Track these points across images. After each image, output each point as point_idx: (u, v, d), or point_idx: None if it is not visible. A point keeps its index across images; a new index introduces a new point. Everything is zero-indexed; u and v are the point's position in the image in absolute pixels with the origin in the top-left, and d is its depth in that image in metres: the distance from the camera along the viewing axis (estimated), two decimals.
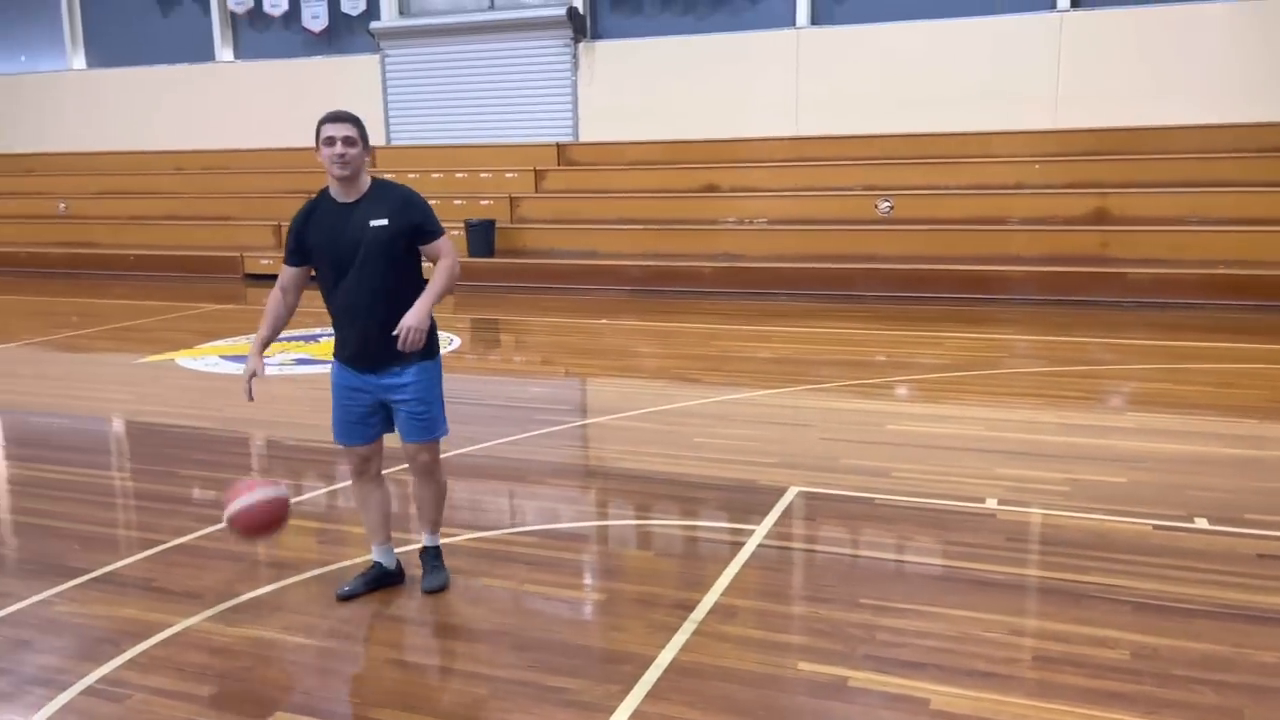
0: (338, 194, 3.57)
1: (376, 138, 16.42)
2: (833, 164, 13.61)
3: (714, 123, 14.50)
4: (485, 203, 14.37)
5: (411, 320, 3.44)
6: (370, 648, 3.43)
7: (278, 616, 3.65)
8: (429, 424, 3.69)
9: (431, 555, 3.90)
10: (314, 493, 5.12)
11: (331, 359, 3.86)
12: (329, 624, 3.60)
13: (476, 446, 5.77)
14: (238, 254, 14.51)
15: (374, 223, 3.53)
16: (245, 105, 17.10)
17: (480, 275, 13.19)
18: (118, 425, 6.77)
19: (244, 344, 9.14)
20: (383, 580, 3.84)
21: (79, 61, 18.44)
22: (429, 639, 3.53)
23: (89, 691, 3.15)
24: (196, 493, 5.10)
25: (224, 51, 17.39)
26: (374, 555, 3.88)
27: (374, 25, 16.13)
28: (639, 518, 4.76)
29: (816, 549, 4.28)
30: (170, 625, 3.58)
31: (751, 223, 13.28)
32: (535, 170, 14.85)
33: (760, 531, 4.38)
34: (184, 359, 8.55)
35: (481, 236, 13.42)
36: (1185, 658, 3.22)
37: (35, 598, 3.82)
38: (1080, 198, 12.06)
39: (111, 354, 9.18)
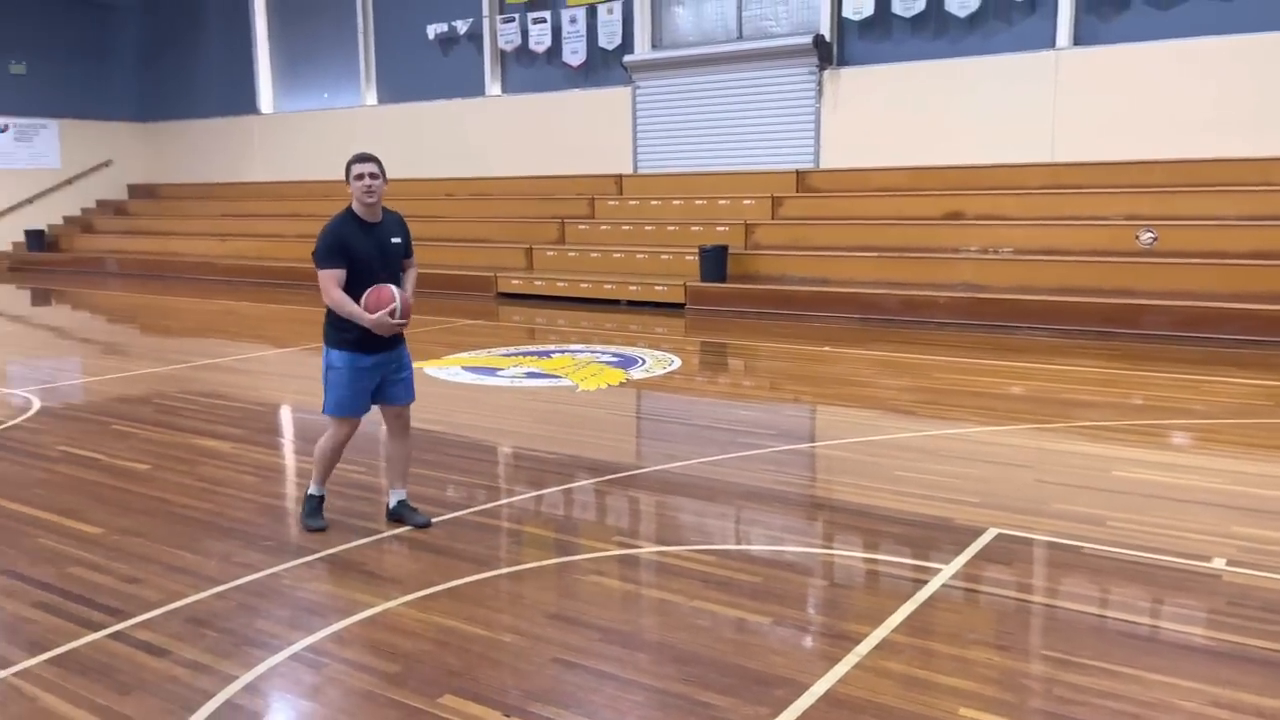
0: (364, 216, 4.60)
1: (624, 165, 17.13)
2: (1092, 191, 12.75)
3: (962, 148, 14.00)
4: (721, 229, 14.60)
5: (410, 306, 4.63)
6: (539, 645, 3.61)
7: (463, 608, 3.92)
8: (412, 384, 4.90)
9: (409, 506, 4.94)
10: (519, 497, 5.43)
11: (350, 352, 4.65)
12: (507, 619, 3.82)
13: (675, 464, 5.90)
14: (492, 274, 15.56)
15: (394, 240, 4.70)
16: (508, 136, 18.37)
17: (711, 300, 13.41)
18: (366, 425, 7.46)
19: (485, 356, 9.81)
20: (398, 514, 4.93)
21: (371, 98, 20.53)
22: (596, 642, 3.67)
23: (295, 657, 3.53)
24: (418, 488, 5.55)
25: (493, 86, 18.76)
26: (390, 499, 5.00)
27: (627, 58, 16.85)
28: (822, 545, 4.69)
29: (1006, 594, 4.05)
30: (372, 606, 3.93)
31: (997, 252, 12.66)
32: (773, 197, 14.92)
33: (948, 571, 4.20)
34: (430, 368, 9.29)
35: (714, 262, 13.64)
36: None
37: (267, 571, 4.32)
38: None
39: None
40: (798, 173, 15.26)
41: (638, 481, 5.64)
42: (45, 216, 22.84)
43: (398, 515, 4.92)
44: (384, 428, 5.06)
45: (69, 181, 23.38)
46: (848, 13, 14.89)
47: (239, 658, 3.51)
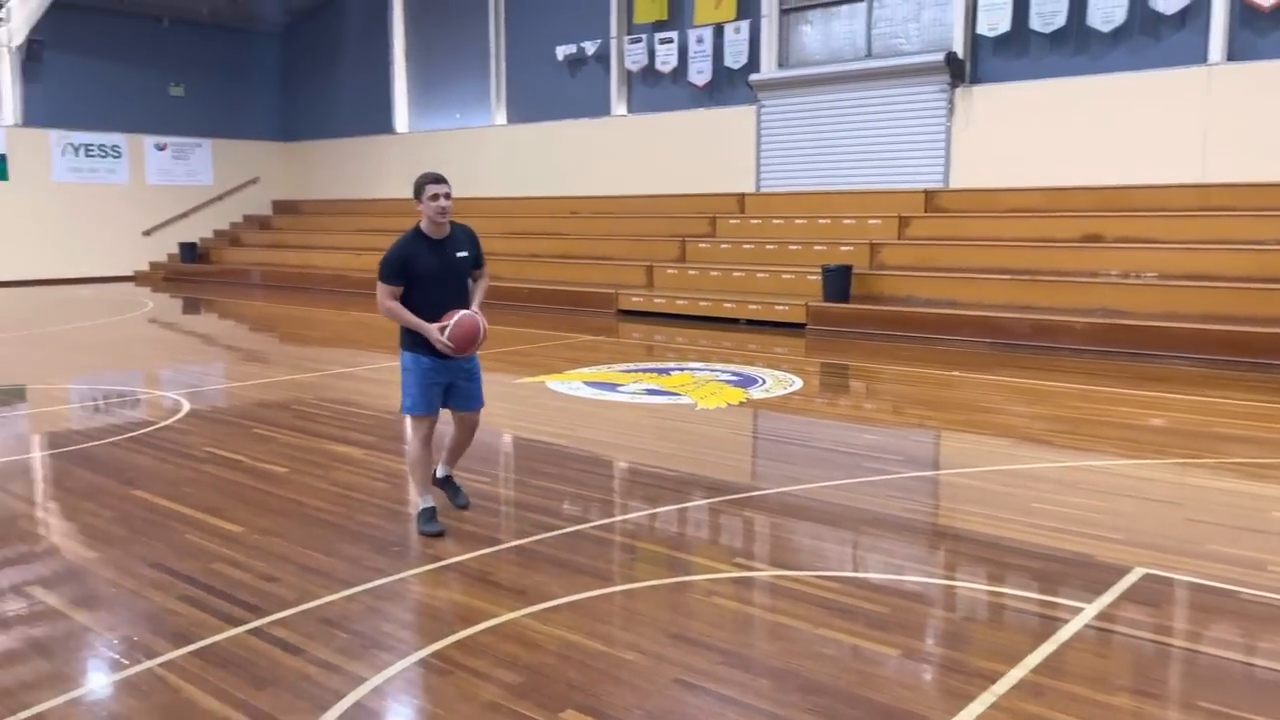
0: (432, 233, 4.89)
1: (747, 184, 17.08)
2: (1247, 215, 12.04)
3: (1101, 168, 13.45)
4: (845, 249, 14.37)
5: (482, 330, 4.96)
6: (661, 664, 3.57)
7: (584, 622, 3.92)
8: (480, 396, 5.22)
9: (455, 484, 5.41)
10: (637, 514, 5.42)
11: (416, 354, 4.96)
12: (628, 636, 3.80)
13: (798, 487, 5.79)
14: (613, 291, 15.70)
15: (461, 254, 4.96)
16: (632, 155, 18.56)
17: (833, 320, 13.19)
18: (490, 436, 7.60)
19: (605, 372, 9.88)
20: (442, 486, 5.36)
21: (501, 118, 21.07)
22: (718, 665, 3.61)
23: (421, 663, 3.59)
24: (538, 500, 5.61)
25: (619, 106, 19.00)
26: (438, 470, 5.36)
27: (753, 77, 16.82)
28: (952, 578, 4.52)
29: (1155, 638, 3.81)
30: (496, 615, 3.98)
31: (1139, 277, 12.06)
32: (900, 217, 14.62)
33: (1090, 611, 3.99)
34: (552, 382, 9.41)
35: (837, 282, 13.43)
36: None
37: (396, 576, 4.43)
38: None
39: (496, 373, 10.30)
40: (926, 192, 14.92)
41: (758, 503, 5.57)
42: (198, 230, 24.24)
43: (441, 485, 5.39)
44: (454, 428, 5.34)
45: (219, 198, 24.77)
46: (982, 29, 14.51)
47: (368, 660, 3.59)
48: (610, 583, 4.34)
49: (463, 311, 4.85)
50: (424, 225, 4.88)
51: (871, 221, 14.82)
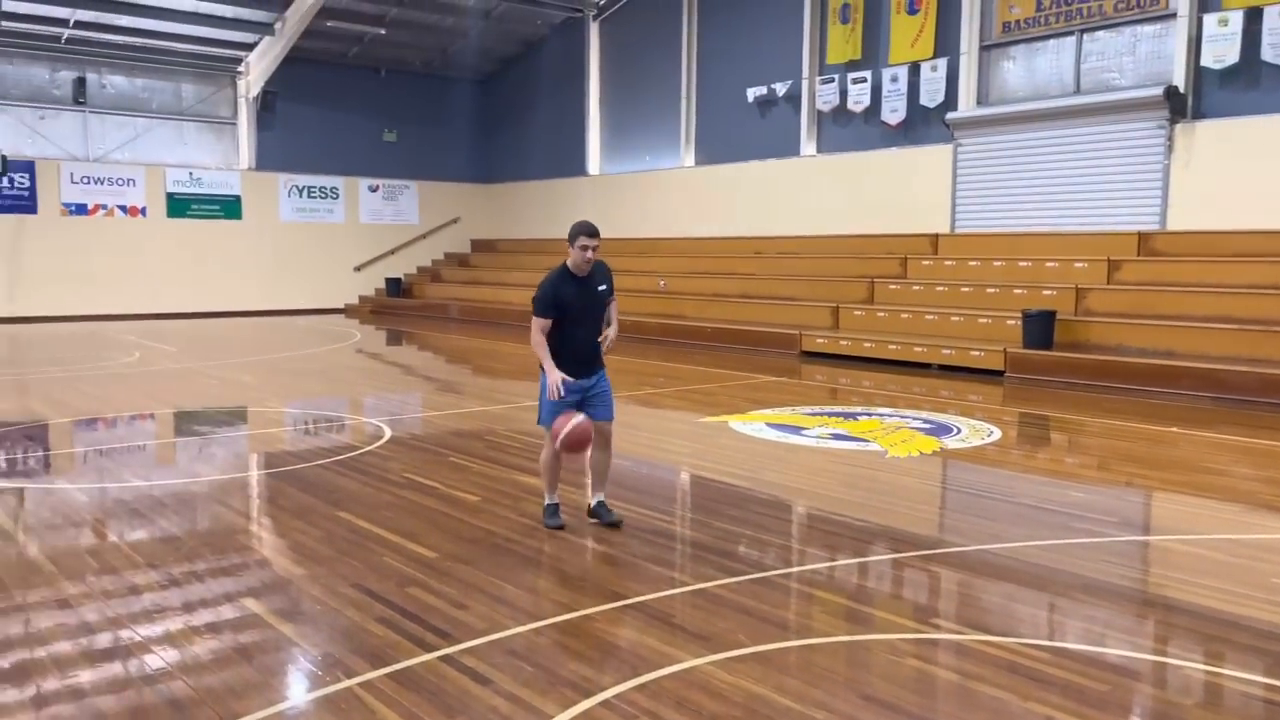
0: (577, 272, 5.59)
1: (941, 224, 16.52)
2: None
3: None
4: (1048, 293, 13.62)
5: (615, 334, 5.88)
6: None
7: (771, 675, 3.78)
8: (611, 407, 5.82)
9: (605, 507, 5.82)
10: (823, 563, 5.23)
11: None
12: (818, 694, 3.63)
13: (998, 545, 5.44)
14: (796, 332, 15.48)
15: (600, 288, 5.70)
16: (820, 195, 18.34)
17: (1035, 368, 12.49)
18: (671, 474, 7.60)
19: (789, 414, 9.70)
20: (596, 514, 5.86)
21: (689, 159, 21.34)
22: None
23: (606, 704, 3.55)
24: (722, 543, 5.51)
25: (808, 146, 18.86)
26: (590, 499, 5.93)
27: (950, 115, 16.32)
28: (1177, 655, 4.09)
29: None
30: (680, 661, 3.90)
31: None
32: (1109, 260, 13.74)
33: None
34: (735, 422, 9.31)
35: (1039, 327, 12.72)
36: None
37: (581, 611, 4.43)
38: None
39: (679, 411, 10.35)
40: (1140, 234, 13.97)
41: (957, 560, 5.26)
42: (403, 266, 25.74)
43: (595, 514, 5.83)
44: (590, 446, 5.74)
45: (423, 236, 26.24)
46: (1207, 61, 13.52)
47: (554, 696, 3.59)
48: (797, 634, 4.18)
49: (578, 419, 5.47)
50: (570, 264, 5.59)
51: (1077, 265, 14.00)
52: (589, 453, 5.72)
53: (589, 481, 5.95)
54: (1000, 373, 12.73)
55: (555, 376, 5.48)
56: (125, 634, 4.16)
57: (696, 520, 6.05)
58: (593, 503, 5.87)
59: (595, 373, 5.72)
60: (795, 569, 5.08)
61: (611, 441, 5.84)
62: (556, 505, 5.82)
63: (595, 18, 23.40)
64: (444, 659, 3.90)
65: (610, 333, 5.85)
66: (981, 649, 4.04)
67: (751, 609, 4.49)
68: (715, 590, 4.72)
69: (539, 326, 5.57)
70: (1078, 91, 15.21)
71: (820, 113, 18.60)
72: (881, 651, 4.03)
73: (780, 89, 19.03)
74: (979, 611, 4.52)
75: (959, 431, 8.82)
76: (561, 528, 5.67)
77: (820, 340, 15.04)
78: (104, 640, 4.11)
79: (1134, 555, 5.48)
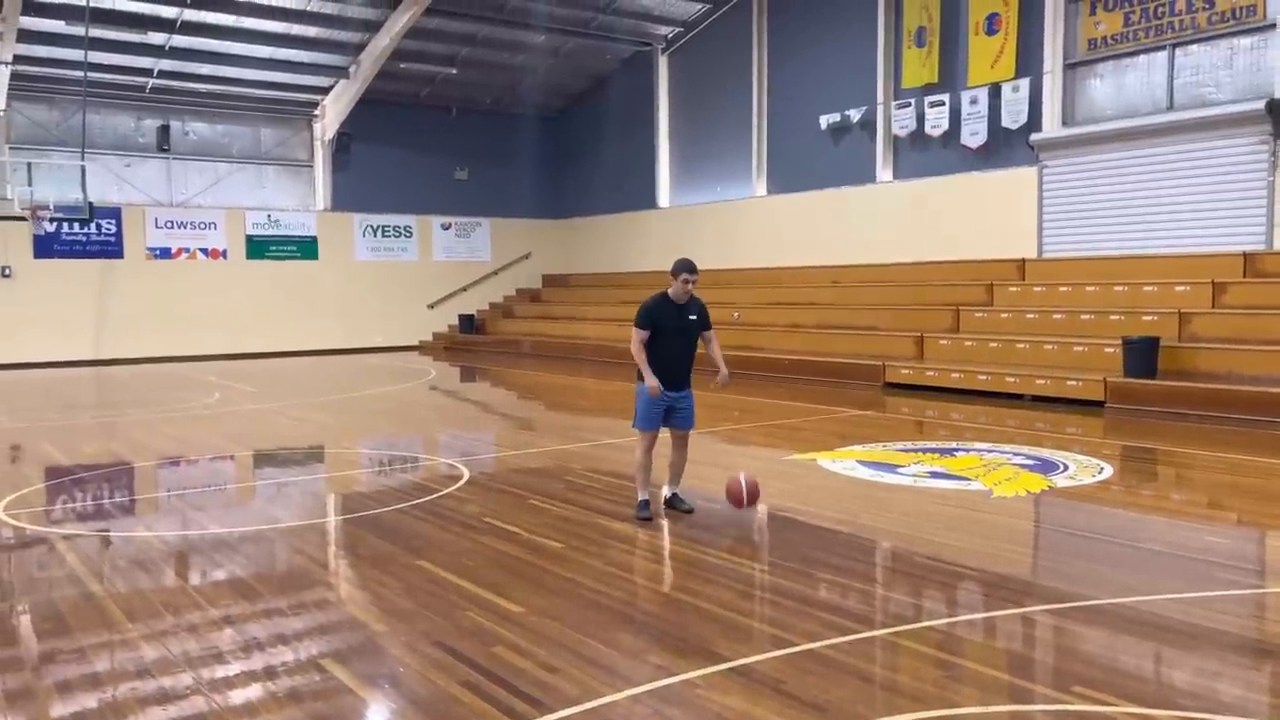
0: (676, 300, 6.56)
1: (1028, 250, 15.91)
2: None
3: None
4: (1148, 318, 12.94)
5: (726, 373, 7.01)
6: None
7: None
8: (693, 418, 6.80)
9: (679, 497, 6.84)
10: (939, 619, 4.79)
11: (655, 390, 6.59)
12: None
13: (1133, 598, 4.94)
14: (879, 363, 14.97)
15: (691, 317, 6.65)
16: (898, 222, 17.84)
17: (1138, 398, 11.82)
18: (765, 518, 7.20)
19: (882, 451, 9.24)
20: (672, 504, 6.84)
21: (761, 189, 21.02)
22: None
23: None
24: (826, 595, 5.11)
25: (884, 172, 18.41)
26: (665, 491, 6.91)
27: (1034, 137, 15.77)
28: None
29: None
30: None
31: None
32: (1213, 283, 13.02)
33: None
34: (825, 460, 8.88)
35: (1142, 355, 12.05)
36: None
37: (681, 676, 4.07)
38: None
39: (766, 449, 9.94)
40: (1245, 255, 13.24)
41: (1087, 615, 4.77)
42: (475, 303, 25.83)
43: (671, 504, 6.78)
44: (671, 447, 6.83)
45: (495, 273, 26.32)
46: None
47: None
48: (927, 705, 3.76)
49: (744, 480, 6.64)
50: (671, 293, 6.57)
51: (1178, 288, 13.29)
52: (675, 458, 6.83)
53: (666, 479, 6.85)
54: (1100, 403, 12.08)
55: (652, 380, 6.43)
56: (201, 701, 3.93)
57: (795, 569, 5.65)
58: (667, 493, 6.81)
59: (683, 389, 6.68)
60: (909, 625, 4.66)
61: (688, 446, 6.87)
62: (648, 501, 6.66)
63: (664, 50, 23.34)
64: None
65: (721, 372, 6.90)
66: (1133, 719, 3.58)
67: (867, 673, 4.10)
68: (825, 651, 4.32)
69: (638, 338, 6.52)
70: (1171, 108, 14.55)
71: (897, 138, 18.17)
72: None
73: (854, 115, 18.66)
74: (1127, 678, 4.04)
75: (1067, 468, 8.27)
76: (650, 520, 6.55)
77: (905, 371, 14.51)
78: (182, 709, 3.88)
79: None
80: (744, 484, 6.57)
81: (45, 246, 20.99)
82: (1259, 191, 13.47)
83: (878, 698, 3.86)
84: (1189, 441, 9.84)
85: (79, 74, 19.49)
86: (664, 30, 22.97)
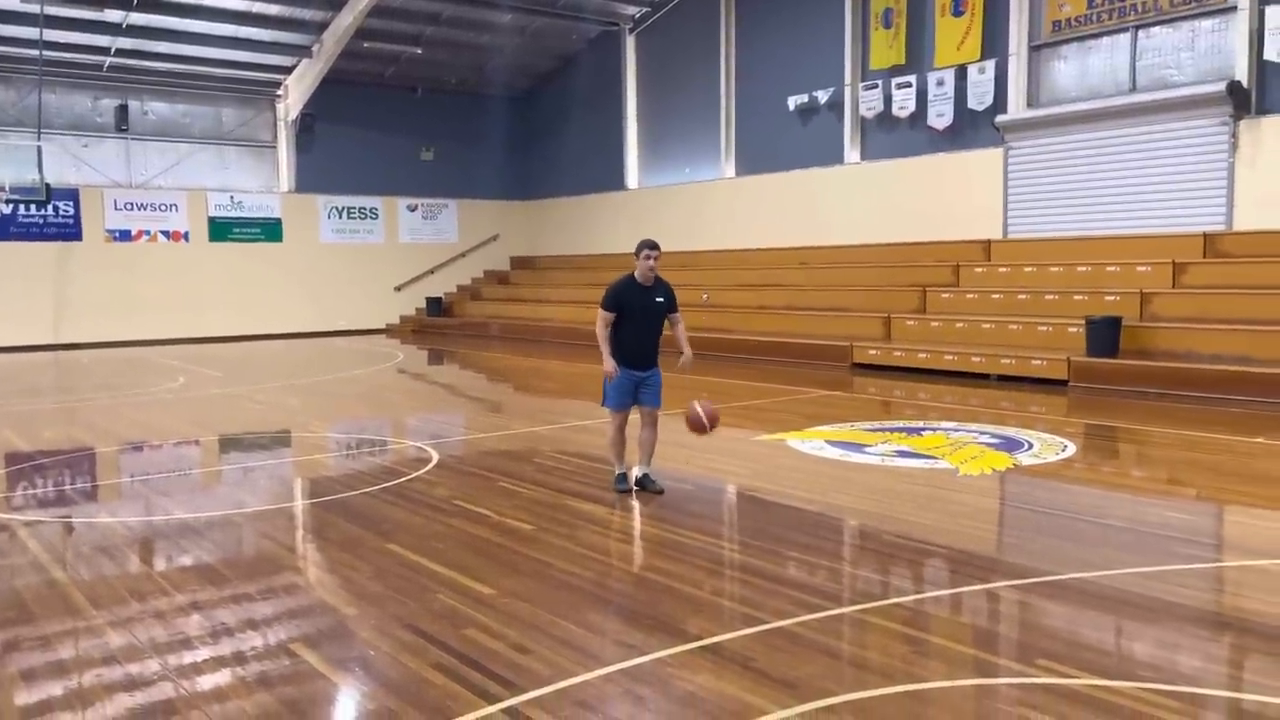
0: (641, 281, 6.68)
1: (994, 230, 16.05)
2: None
3: None
4: (1110, 298, 13.12)
5: (689, 354, 6.97)
6: None
7: None
8: (659, 395, 6.87)
9: (649, 478, 6.89)
10: (907, 596, 4.85)
11: (618, 366, 6.74)
12: None
13: (1094, 573, 5.02)
14: (847, 343, 15.08)
15: (658, 299, 6.73)
16: (866, 203, 17.93)
17: (1101, 377, 12.00)
18: (734, 497, 7.25)
19: (849, 430, 9.32)
20: (642, 484, 6.89)
21: (730, 170, 21.02)
22: None
23: None
24: (795, 573, 5.16)
25: (851, 154, 18.48)
26: (635, 471, 6.96)
27: (1000, 118, 15.88)
28: None
29: None
30: (766, 713, 3.55)
31: None
32: (1174, 263, 13.22)
33: None
34: (793, 440, 8.95)
35: (1104, 335, 12.22)
36: None
37: (651, 655, 4.09)
38: None
39: (733, 429, 9.97)
40: (1205, 235, 13.44)
41: (1050, 590, 4.86)
42: (443, 285, 25.65)
43: (641, 484, 6.85)
44: (640, 425, 6.92)
45: (463, 255, 26.14)
46: (1270, 55, 13.02)
47: None
48: (895, 680, 3.81)
49: (700, 407, 6.73)
50: (636, 274, 6.67)
51: (1140, 269, 13.49)
52: (644, 436, 6.89)
53: (636, 458, 6.91)
54: (1064, 382, 12.25)
55: (609, 365, 6.61)
56: (169, 687, 3.90)
57: (766, 549, 5.69)
58: (638, 474, 6.87)
59: (649, 368, 6.80)
60: (877, 603, 4.71)
61: (658, 424, 6.92)
62: (624, 474, 6.91)
63: (631, 31, 23.22)
64: (508, 711, 3.59)
65: (685, 354, 6.90)
66: (1100, 696, 3.65)
67: (837, 650, 4.15)
68: (794, 629, 4.37)
69: (603, 320, 6.64)
70: (1134, 90, 14.72)
71: (864, 119, 18.23)
72: (993, 700, 3.67)
73: (822, 96, 18.68)
74: (1089, 651, 4.12)
75: (1031, 446, 8.38)
76: (628, 491, 6.79)
77: (872, 351, 14.62)
78: (150, 695, 3.84)
79: (1253, 585, 5.04)
80: (701, 411, 6.67)
81: (1, 229, 20.56)
82: (1219, 173, 13.66)
83: (846, 674, 3.91)
84: (1150, 419, 10.01)
85: (34, 52, 19.05)
86: (631, 10, 22.84)
